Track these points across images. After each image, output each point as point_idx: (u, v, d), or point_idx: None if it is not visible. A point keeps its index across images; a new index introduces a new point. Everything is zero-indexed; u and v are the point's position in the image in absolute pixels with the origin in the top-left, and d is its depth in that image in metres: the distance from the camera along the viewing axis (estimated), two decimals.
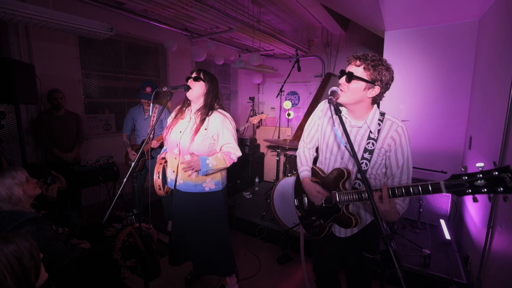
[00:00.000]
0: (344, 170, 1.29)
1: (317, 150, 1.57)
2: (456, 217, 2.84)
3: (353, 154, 1.04)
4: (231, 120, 1.87)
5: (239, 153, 1.87)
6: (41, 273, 1.00)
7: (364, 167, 1.30)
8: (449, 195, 2.76)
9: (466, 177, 0.90)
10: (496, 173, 0.84)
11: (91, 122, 3.89)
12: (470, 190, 0.89)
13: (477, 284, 1.97)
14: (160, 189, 1.93)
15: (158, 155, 2.04)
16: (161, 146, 2.96)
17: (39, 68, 2.82)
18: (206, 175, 1.81)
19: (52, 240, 1.48)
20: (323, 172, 1.44)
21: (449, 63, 2.93)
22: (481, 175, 0.87)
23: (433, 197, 2.84)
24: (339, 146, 1.38)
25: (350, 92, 1.24)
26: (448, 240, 2.50)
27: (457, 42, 2.86)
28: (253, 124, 5.67)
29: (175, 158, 1.84)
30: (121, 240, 1.97)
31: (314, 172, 1.49)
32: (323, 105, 1.48)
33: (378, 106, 1.36)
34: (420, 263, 2.21)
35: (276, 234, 2.89)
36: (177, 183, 1.88)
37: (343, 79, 1.25)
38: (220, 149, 1.86)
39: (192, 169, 1.77)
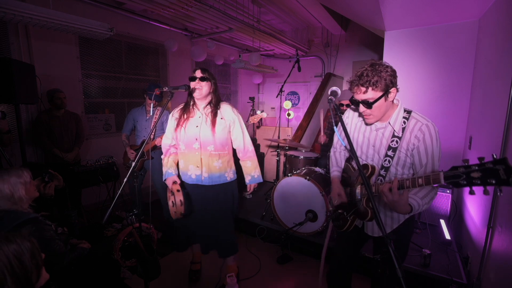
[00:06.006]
0: (369, 166, 1.34)
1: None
2: (456, 217, 2.83)
3: (354, 155, 1.05)
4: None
5: (250, 143, 2.07)
6: (42, 273, 0.99)
7: (387, 164, 1.34)
8: (449, 195, 2.75)
9: (464, 169, 0.91)
10: (491, 165, 0.84)
11: (91, 122, 3.89)
12: (465, 182, 0.90)
13: (477, 284, 1.97)
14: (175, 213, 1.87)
15: (169, 183, 1.93)
16: (153, 148, 2.94)
17: (39, 68, 2.82)
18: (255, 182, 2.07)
19: (51, 241, 1.47)
20: (353, 168, 1.50)
21: (449, 63, 2.93)
22: (477, 167, 0.88)
23: None
24: (367, 146, 1.43)
25: (374, 113, 1.28)
26: (448, 240, 2.49)
27: (457, 42, 2.85)
28: (253, 123, 5.70)
29: (196, 152, 1.89)
30: (121, 240, 1.97)
31: (347, 168, 1.55)
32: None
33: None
34: (420, 263, 2.21)
35: (276, 234, 2.88)
36: (203, 178, 1.92)
37: (362, 108, 1.27)
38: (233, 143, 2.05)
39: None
